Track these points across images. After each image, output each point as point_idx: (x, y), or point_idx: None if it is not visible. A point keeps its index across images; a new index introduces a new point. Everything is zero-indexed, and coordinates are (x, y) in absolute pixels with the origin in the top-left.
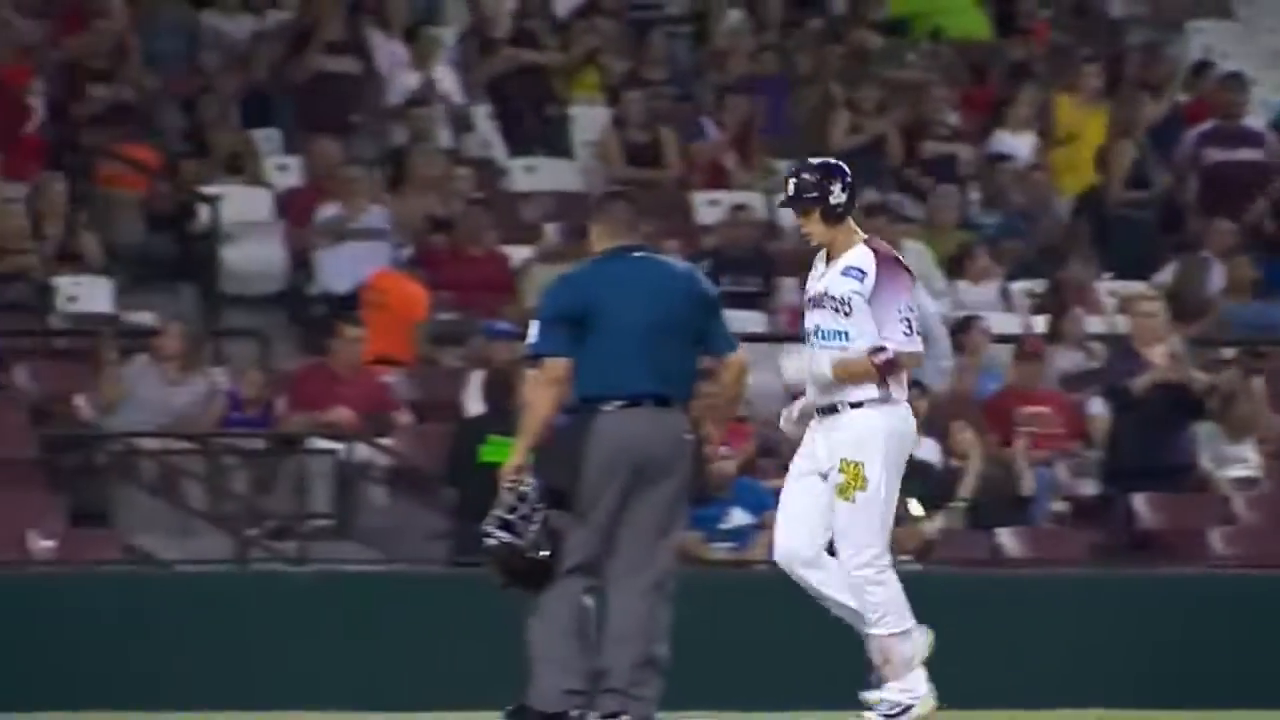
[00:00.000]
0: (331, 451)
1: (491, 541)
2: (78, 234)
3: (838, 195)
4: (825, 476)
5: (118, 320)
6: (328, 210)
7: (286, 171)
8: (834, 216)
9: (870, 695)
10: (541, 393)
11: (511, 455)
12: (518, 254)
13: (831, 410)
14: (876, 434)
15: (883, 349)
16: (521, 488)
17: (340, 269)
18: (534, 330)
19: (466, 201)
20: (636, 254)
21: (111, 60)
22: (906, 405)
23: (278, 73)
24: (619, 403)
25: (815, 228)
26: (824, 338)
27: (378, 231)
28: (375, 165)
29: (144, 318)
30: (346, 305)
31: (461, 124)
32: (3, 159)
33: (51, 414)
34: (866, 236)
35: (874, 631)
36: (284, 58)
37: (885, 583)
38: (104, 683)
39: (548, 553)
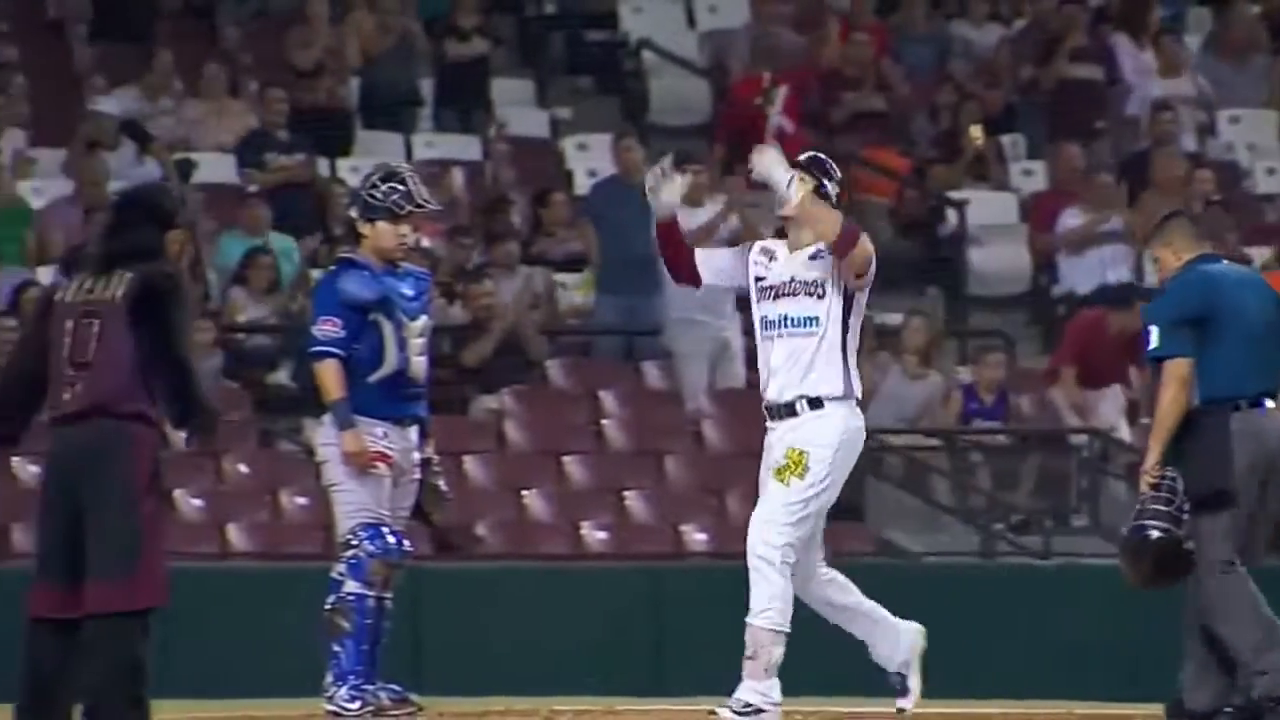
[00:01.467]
0: (1075, 447)
1: (1155, 534)
2: None
3: (829, 187)
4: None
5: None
6: (1070, 215)
7: (1031, 176)
8: (824, 201)
9: (348, 705)
10: (1172, 393)
11: (1150, 453)
12: (1259, 255)
13: (790, 412)
14: (834, 433)
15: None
16: (1167, 482)
17: (1083, 272)
18: (1156, 333)
19: (1205, 203)
20: (1223, 262)
21: (863, 69)
22: (858, 411)
23: (1024, 80)
24: (1246, 402)
25: (803, 203)
26: (792, 325)
27: (1118, 235)
28: (1116, 171)
29: (892, 319)
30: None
31: (1205, 129)
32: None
33: None
34: None
35: (755, 622)
36: (1030, 65)
37: (785, 575)
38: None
39: (1191, 546)
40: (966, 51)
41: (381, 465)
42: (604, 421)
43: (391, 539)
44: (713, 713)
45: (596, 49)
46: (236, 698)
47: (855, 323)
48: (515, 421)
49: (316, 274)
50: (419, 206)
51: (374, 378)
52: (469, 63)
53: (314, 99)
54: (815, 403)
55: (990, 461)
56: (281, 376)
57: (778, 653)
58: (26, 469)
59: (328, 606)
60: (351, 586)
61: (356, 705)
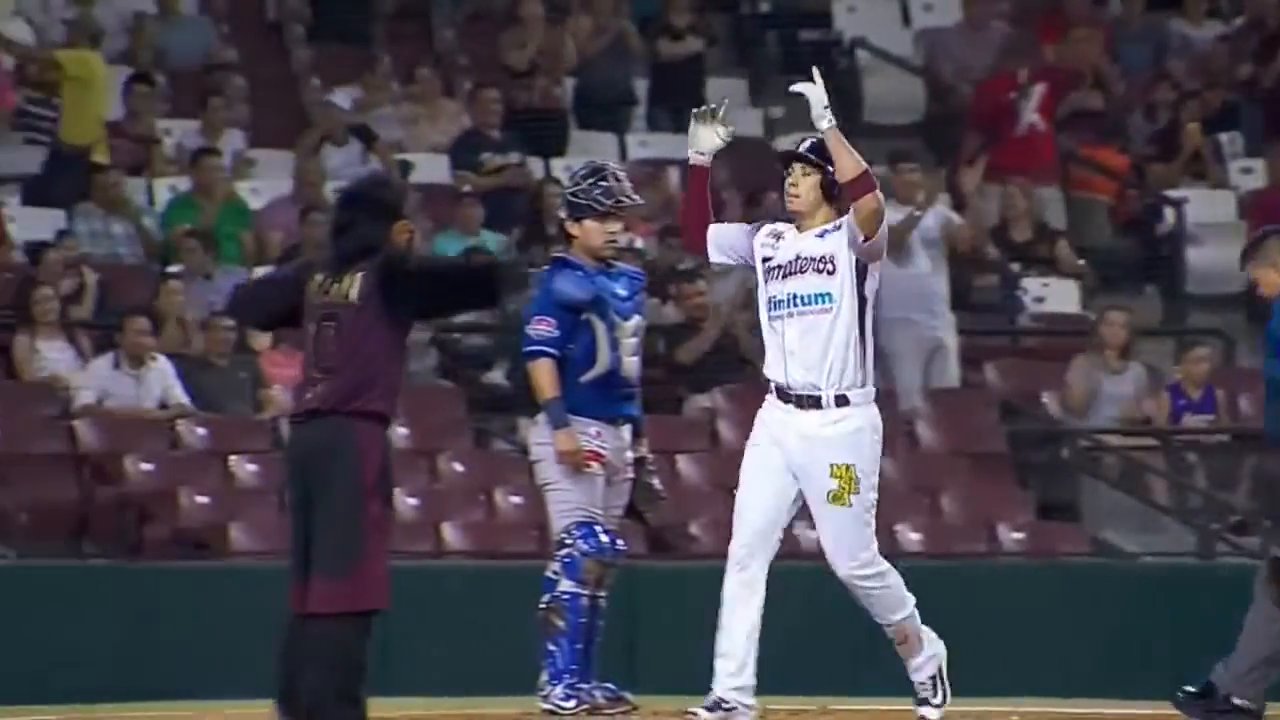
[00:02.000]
0: None
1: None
2: (1048, 236)
3: (835, 174)
4: (795, 474)
5: (1086, 320)
6: None
7: (1250, 174)
8: (829, 192)
9: (564, 703)
10: None
11: None
12: None
13: (813, 404)
14: (864, 432)
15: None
16: None
17: None
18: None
19: None
20: None
21: (1082, 67)
22: (874, 392)
23: (1242, 78)
24: None
25: (806, 190)
26: (804, 303)
27: None
28: None
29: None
30: None
31: None
32: (985, 160)
33: (1020, 411)
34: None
35: (890, 620)
36: (1248, 63)
37: (884, 575)
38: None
39: None
40: (1184, 49)
41: (595, 464)
42: None
43: (605, 538)
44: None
45: (810, 48)
46: (451, 695)
47: (870, 299)
48: (728, 420)
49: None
50: (620, 203)
51: (587, 377)
52: (683, 62)
53: (528, 99)
54: (841, 399)
55: (1206, 461)
56: (496, 376)
57: (917, 622)
58: (245, 468)
59: (542, 605)
60: (566, 585)
61: (572, 704)
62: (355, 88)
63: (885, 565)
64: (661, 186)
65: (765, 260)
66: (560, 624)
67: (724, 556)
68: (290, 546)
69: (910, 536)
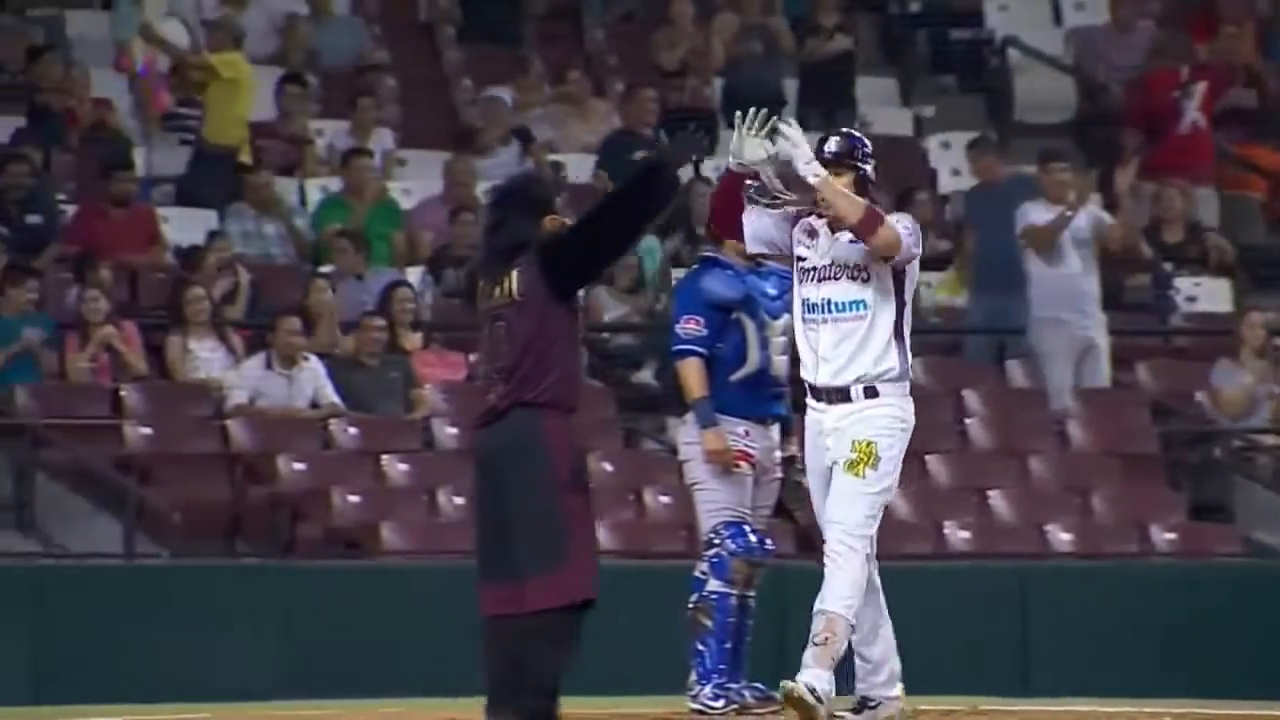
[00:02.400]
0: None
1: None
2: (1200, 235)
3: (868, 169)
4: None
5: (1238, 320)
6: None
7: None
8: (862, 190)
9: (712, 703)
10: None
11: None
12: None
13: (844, 397)
14: (894, 422)
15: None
16: None
17: None
18: None
19: None
20: None
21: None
22: (909, 386)
23: None
24: None
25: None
26: (838, 310)
27: None
28: None
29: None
30: None
31: None
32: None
33: (1172, 411)
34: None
35: (835, 609)
36: None
37: (863, 567)
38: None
39: None
40: None
41: (743, 464)
42: (968, 420)
43: (754, 537)
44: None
45: (961, 47)
46: (600, 694)
47: (907, 300)
48: None
49: (679, 273)
50: (773, 200)
51: (736, 376)
52: (832, 61)
53: (678, 99)
54: (870, 391)
55: None
56: (645, 376)
57: (843, 645)
58: (396, 467)
59: (690, 605)
60: (714, 585)
61: (720, 704)
62: (505, 88)
63: (863, 564)
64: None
65: (800, 260)
66: (708, 623)
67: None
68: (479, 550)
69: (1061, 537)
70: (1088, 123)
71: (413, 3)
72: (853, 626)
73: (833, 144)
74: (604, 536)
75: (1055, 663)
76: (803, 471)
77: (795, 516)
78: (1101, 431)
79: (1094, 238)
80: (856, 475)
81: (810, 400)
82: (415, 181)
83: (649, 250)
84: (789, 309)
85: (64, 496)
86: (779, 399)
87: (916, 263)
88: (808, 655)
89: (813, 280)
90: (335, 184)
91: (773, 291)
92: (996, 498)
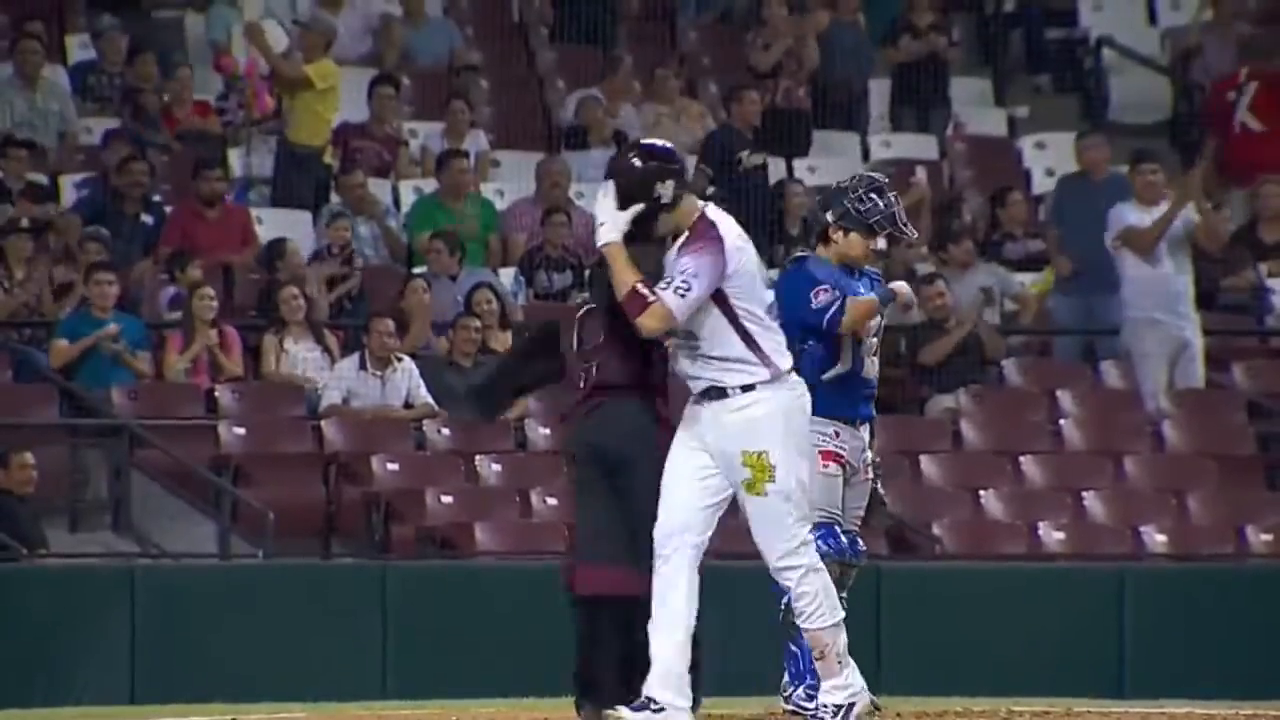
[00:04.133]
0: None
1: None
2: None
3: (664, 190)
4: (716, 459)
5: None
6: None
7: None
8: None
9: (805, 704)
10: None
11: None
12: None
13: (718, 394)
14: (773, 418)
15: (641, 298)
16: None
17: None
18: None
19: None
20: None
21: None
22: (798, 379)
23: None
24: None
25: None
26: (679, 338)
27: None
28: None
29: None
30: None
31: None
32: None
33: (1269, 411)
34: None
35: (810, 626)
36: None
37: (815, 569)
38: None
39: None
40: None
41: (833, 465)
42: (1062, 421)
43: (845, 539)
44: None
45: (1055, 47)
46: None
47: (745, 312)
48: (971, 421)
49: (771, 274)
50: (900, 233)
51: (828, 376)
52: (926, 61)
53: (771, 99)
54: (745, 388)
55: None
56: None
57: (842, 640)
58: (490, 468)
59: (783, 606)
60: None
61: (814, 705)
62: (598, 89)
63: (813, 570)
64: (917, 194)
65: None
66: None
67: (967, 557)
68: (582, 533)
69: (1156, 538)
70: (1182, 123)
71: (506, 3)
72: (840, 622)
73: (633, 163)
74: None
75: (1151, 665)
76: (879, 477)
77: (870, 521)
78: (1197, 432)
79: (1188, 238)
80: (759, 494)
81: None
82: (508, 183)
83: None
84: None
85: (160, 497)
86: (869, 400)
87: (741, 274)
88: (819, 674)
89: None
90: (429, 185)
91: (864, 293)
92: (1091, 499)
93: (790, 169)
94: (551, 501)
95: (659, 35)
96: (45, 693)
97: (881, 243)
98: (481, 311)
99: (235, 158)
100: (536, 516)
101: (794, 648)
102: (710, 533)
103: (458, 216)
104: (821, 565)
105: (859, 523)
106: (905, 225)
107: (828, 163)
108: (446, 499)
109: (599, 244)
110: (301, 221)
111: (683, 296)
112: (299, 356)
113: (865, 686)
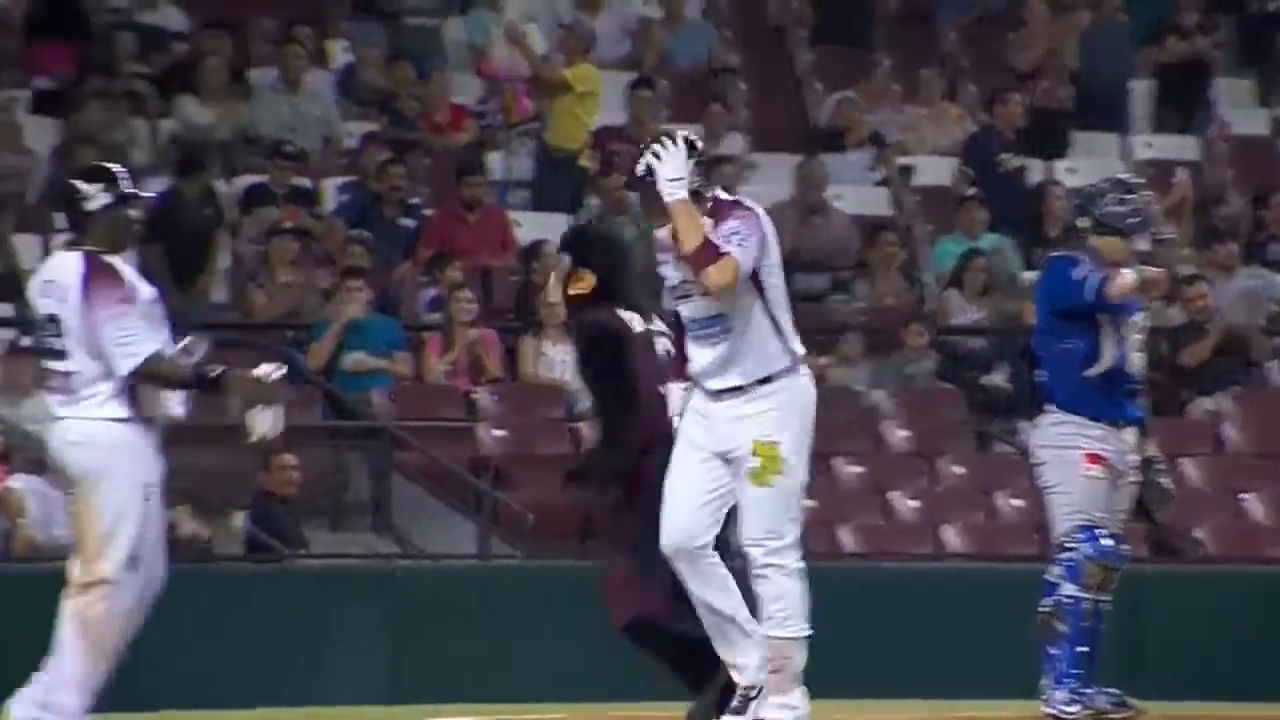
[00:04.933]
0: None
1: None
2: None
3: (699, 183)
4: (725, 459)
5: None
6: None
7: None
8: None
9: (1067, 709)
10: None
11: None
12: None
13: (735, 391)
14: (789, 410)
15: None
16: None
17: None
18: None
19: None
20: None
21: None
22: (808, 371)
23: None
24: None
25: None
26: (702, 326)
27: None
28: None
29: None
30: None
31: None
32: None
33: None
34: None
35: (777, 633)
36: None
37: (794, 576)
38: None
39: None
40: None
41: (1096, 467)
42: (1223, 425)
43: (1109, 541)
44: None
45: None
46: (950, 698)
47: (774, 295)
48: (1233, 423)
49: (1029, 276)
50: (1157, 239)
51: (1091, 372)
52: (1189, 62)
53: (1030, 100)
54: (765, 380)
55: None
56: (996, 378)
57: (801, 659)
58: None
59: (1043, 609)
60: (1068, 589)
61: (1075, 709)
62: (856, 91)
63: (795, 574)
64: (1178, 196)
65: (664, 280)
66: (1062, 628)
67: (1229, 560)
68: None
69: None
70: None
71: (764, 6)
72: (807, 638)
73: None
74: (955, 539)
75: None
76: (1162, 471)
77: (1155, 517)
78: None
79: None
80: (764, 484)
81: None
82: (766, 185)
83: (996, 252)
84: (1144, 306)
85: (420, 498)
86: (1134, 397)
87: (772, 251)
88: (768, 687)
89: (676, 298)
90: None
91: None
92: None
93: (1050, 171)
94: (810, 502)
95: (917, 37)
96: (304, 692)
97: (1144, 243)
98: None
99: (494, 161)
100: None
101: (1053, 650)
102: (719, 529)
103: None
104: (802, 571)
105: (1121, 526)
106: (1163, 232)
107: (1088, 164)
108: None
109: (669, 198)
110: (559, 224)
111: (744, 250)
112: (556, 359)
113: (810, 715)
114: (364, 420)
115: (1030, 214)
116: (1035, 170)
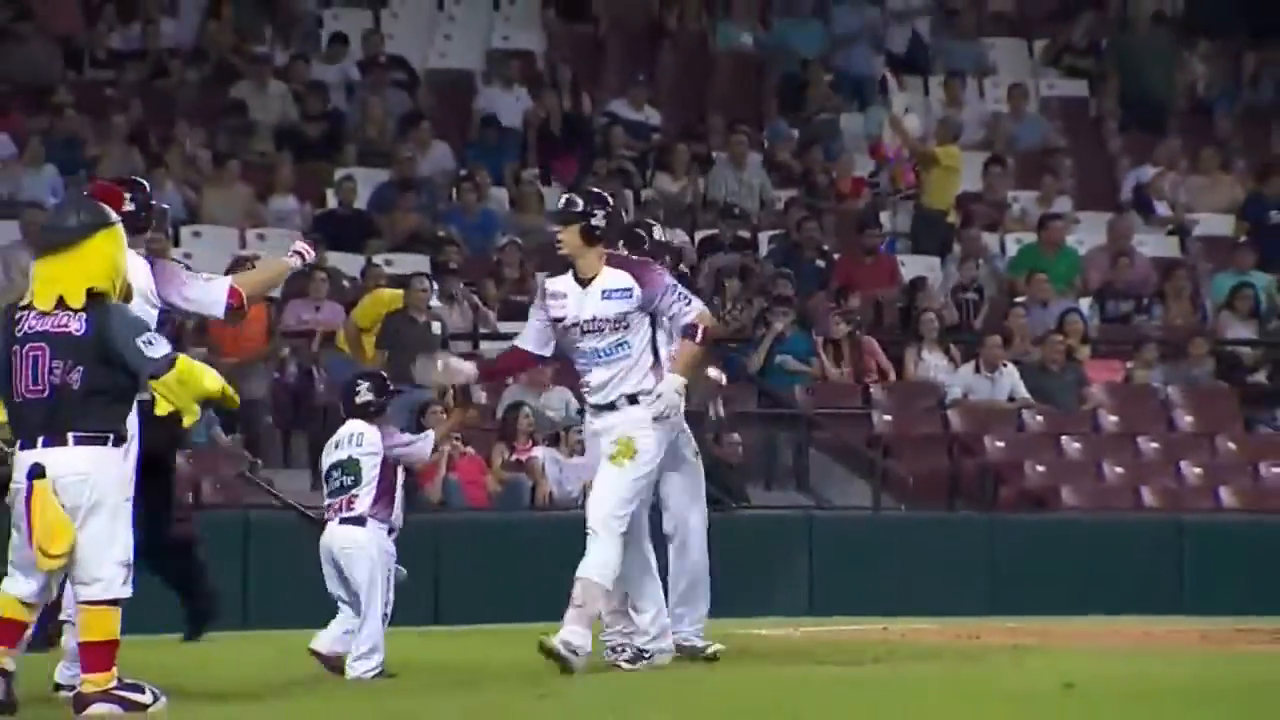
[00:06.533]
0: None
1: None
2: None
3: (599, 219)
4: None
5: None
6: None
7: None
8: (591, 234)
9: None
10: None
11: None
12: None
13: (611, 408)
14: (648, 419)
15: (694, 326)
16: None
17: None
18: None
19: None
20: None
21: None
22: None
23: None
24: None
25: (571, 241)
26: (606, 355)
27: None
28: None
29: None
30: None
31: None
32: None
33: None
34: (610, 255)
35: (592, 576)
36: None
37: (619, 541)
38: None
39: None
40: None
41: None
42: None
43: None
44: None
45: None
46: (1218, 615)
47: (662, 325)
48: None
49: None
50: None
51: None
52: None
53: None
54: (633, 399)
55: None
56: (1260, 377)
57: (600, 606)
58: (1072, 446)
59: None
60: None
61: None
62: (1152, 165)
63: (619, 539)
64: None
65: (557, 321)
66: None
67: None
68: None
69: None
70: None
71: (1085, 103)
72: (608, 591)
73: (563, 200)
74: (1230, 498)
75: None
76: None
77: None
78: None
79: None
80: (617, 464)
81: (589, 414)
82: (1087, 235)
83: (1265, 285)
84: None
85: (829, 465)
86: None
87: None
88: (566, 616)
89: (577, 334)
90: (1028, 238)
91: None
92: None
93: None
94: (1120, 470)
95: (1200, 124)
96: (745, 609)
97: None
98: (1071, 330)
99: (884, 218)
100: (1106, 482)
101: None
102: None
103: (1048, 263)
104: (622, 541)
105: None
106: None
107: None
108: (1040, 468)
109: (682, 383)
110: (933, 265)
111: (688, 298)
112: (931, 363)
113: (587, 652)
114: (788, 409)
115: None
116: None
